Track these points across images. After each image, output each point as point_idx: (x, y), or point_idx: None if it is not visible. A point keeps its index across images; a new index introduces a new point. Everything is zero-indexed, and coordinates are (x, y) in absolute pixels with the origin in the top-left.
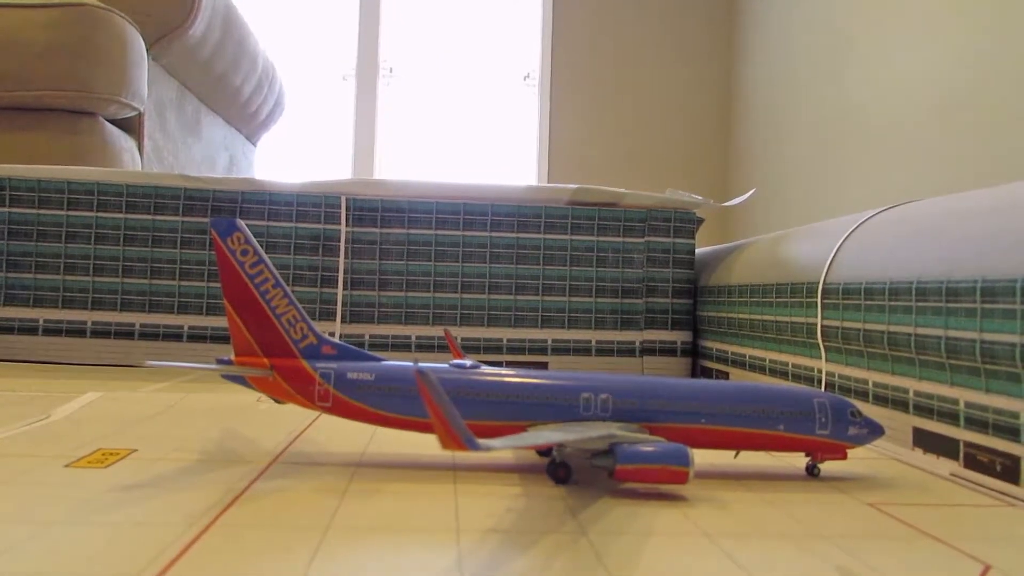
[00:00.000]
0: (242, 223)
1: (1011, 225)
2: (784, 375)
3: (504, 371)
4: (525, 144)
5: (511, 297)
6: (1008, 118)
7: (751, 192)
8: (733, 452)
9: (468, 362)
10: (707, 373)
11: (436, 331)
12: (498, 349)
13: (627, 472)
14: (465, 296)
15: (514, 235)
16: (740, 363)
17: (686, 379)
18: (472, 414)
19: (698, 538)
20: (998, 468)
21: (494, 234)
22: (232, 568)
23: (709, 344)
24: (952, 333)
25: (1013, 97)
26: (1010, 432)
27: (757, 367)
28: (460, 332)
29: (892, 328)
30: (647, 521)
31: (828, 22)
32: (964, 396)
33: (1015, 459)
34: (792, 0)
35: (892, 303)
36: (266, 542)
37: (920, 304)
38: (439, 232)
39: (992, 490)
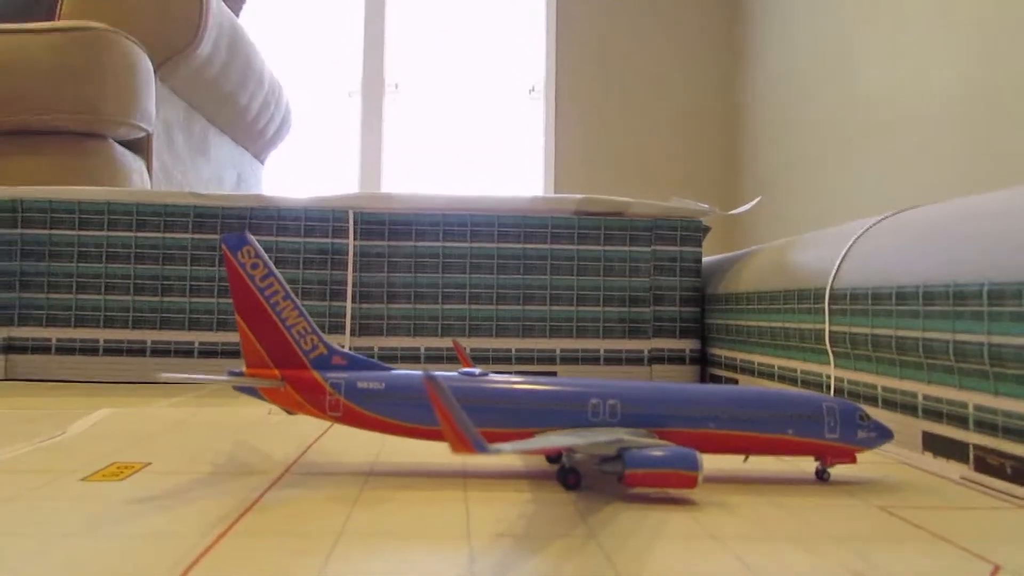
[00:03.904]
0: (252, 237)
1: (1018, 227)
2: (793, 381)
3: (513, 378)
4: (531, 156)
5: (519, 307)
6: (1020, 119)
7: (755, 200)
8: (742, 456)
9: (477, 370)
10: (716, 381)
11: (445, 343)
12: (507, 360)
13: (636, 477)
14: (473, 307)
15: (521, 246)
16: (749, 370)
17: (694, 384)
18: (481, 421)
19: (708, 541)
20: (1008, 471)
21: (501, 245)
22: (246, 575)
23: (717, 352)
24: (960, 337)
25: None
26: (1020, 435)
27: (766, 374)
28: (469, 343)
29: (900, 332)
30: (657, 525)
31: (833, 27)
32: (973, 399)
33: (1019, 459)
34: (796, 6)
35: (899, 307)
36: (279, 549)
37: (927, 308)
38: (446, 244)
39: (1003, 493)
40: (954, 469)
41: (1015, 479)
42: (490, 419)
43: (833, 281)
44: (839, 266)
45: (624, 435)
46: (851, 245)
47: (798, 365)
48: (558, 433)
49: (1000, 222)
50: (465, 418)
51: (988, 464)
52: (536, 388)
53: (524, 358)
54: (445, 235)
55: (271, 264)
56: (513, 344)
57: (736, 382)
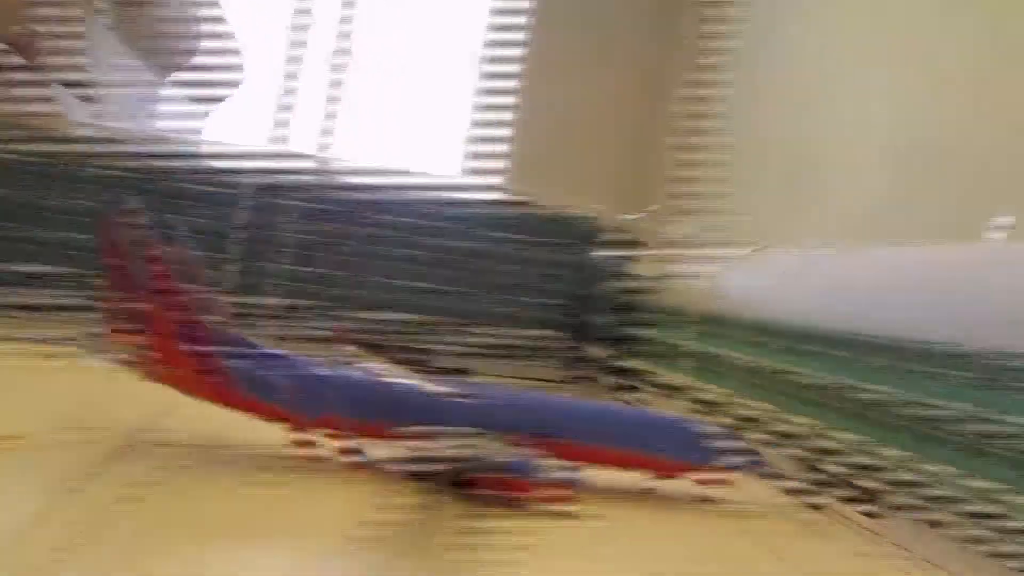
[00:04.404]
0: (140, 204)
1: (871, 284)
2: (685, 396)
3: (390, 372)
4: (460, 127)
5: (425, 286)
6: (955, 176)
7: (651, 209)
8: (614, 471)
9: (357, 361)
10: (616, 384)
11: (337, 308)
12: (408, 337)
13: (488, 481)
14: (370, 278)
15: (436, 224)
16: (648, 379)
17: (566, 397)
18: (356, 413)
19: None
20: (861, 502)
21: (407, 221)
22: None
23: (610, 353)
24: (824, 377)
25: (965, 156)
26: (873, 471)
27: (661, 385)
28: (369, 315)
29: (777, 366)
30: (507, 530)
31: (781, 52)
32: (839, 436)
33: (874, 495)
34: (755, 28)
35: (776, 342)
36: (111, 542)
37: (803, 347)
38: (355, 213)
39: (853, 522)
40: (818, 497)
41: (865, 510)
42: (365, 411)
43: (716, 304)
44: (722, 290)
45: (485, 441)
46: (735, 270)
47: (684, 380)
48: (426, 432)
49: (879, 276)
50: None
51: (848, 495)
52: (412, 385)
53: (426, 339)
54: (355, 204)
55: (157, 233)
56: (414, 322)
57: (634, 387)
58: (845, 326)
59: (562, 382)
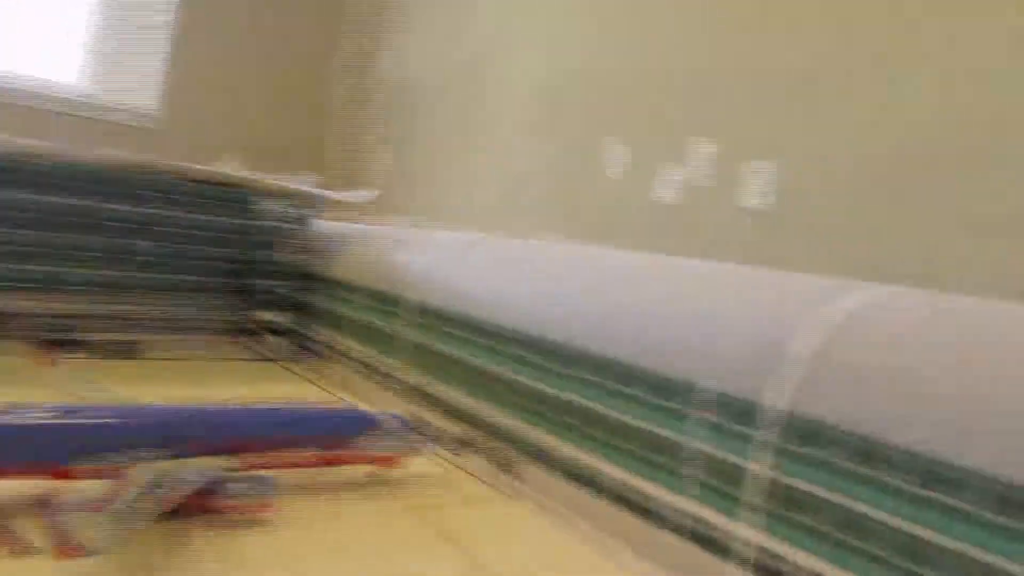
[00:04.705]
0: None
1: (523, 279)
2: (378, 372)
3: (88, 408)
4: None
5: (99, 272)
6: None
7: (368, 193)
8: (307, 469)
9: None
10: (307, 358)
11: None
12: (87, 327)
13: (192, 503)
14: (39, 268)
15: (109, 206)
16: (342, 352)
17: (259, 407)
18: (61, 456)
19: (275, 563)
20: (502, 464)
21: (82, 201)
22: None
23: (311, 330)
24: (482, 364)
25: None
26: (511, 441)
27: (353, 359)
28: (44, 305)
29: (451, 351)
30: (231, 549)
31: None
32: (485, 410)
33: (512, 462)
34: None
35: (446, 328)
36: None
37: (460, 334)
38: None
39: (497, 484)
40: (478, 466)
41: (507, 471)
42: (69, 454)
43: (408, 289)
44: (418, 275)
45: (176, 464)
46: (401, 249)
47: (377, 357)
48: (141, 476)
49: (517, 270)
50: (69, 527)
51: (498, 462)
52: (111, 422)
53: (105, 326)
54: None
55: None
56: (92, 309)
57: (327, 364)
58: (477, 312)
59: (239, 356)
